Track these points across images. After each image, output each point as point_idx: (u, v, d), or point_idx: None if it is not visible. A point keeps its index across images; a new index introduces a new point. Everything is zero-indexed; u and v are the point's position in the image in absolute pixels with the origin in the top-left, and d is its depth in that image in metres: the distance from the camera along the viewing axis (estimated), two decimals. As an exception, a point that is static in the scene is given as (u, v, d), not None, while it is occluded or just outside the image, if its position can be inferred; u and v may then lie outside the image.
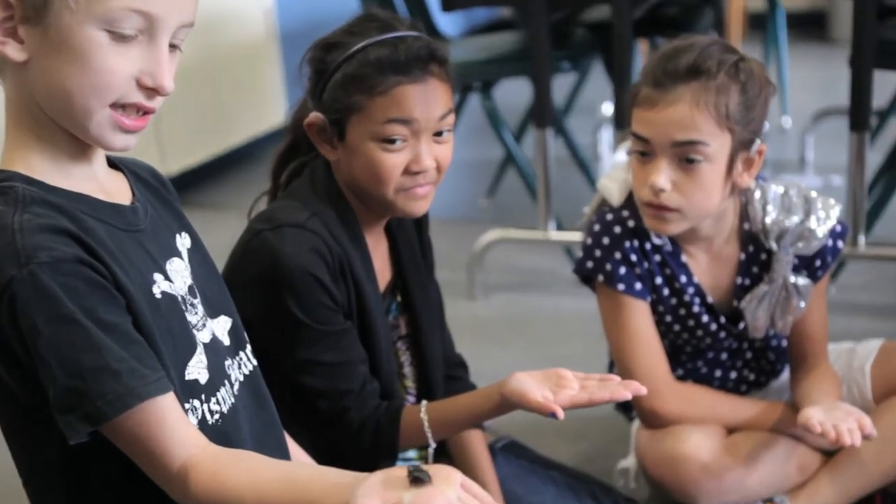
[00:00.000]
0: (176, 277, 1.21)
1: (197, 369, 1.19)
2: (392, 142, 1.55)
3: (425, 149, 1.57)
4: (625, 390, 1.35)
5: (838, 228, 1.82)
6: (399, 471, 1.00)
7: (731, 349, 1.96)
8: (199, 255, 1.29)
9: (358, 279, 1.60)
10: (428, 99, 1.55)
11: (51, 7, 1.06)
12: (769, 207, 1.79)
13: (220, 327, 1.28)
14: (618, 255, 1.82)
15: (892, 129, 3.82)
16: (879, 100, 3.13)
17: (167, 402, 1.10)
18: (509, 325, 2.94)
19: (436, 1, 3.09)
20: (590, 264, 1.84)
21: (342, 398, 1.59)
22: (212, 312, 1.27)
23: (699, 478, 1.80)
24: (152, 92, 1.12)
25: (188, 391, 1.17)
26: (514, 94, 4.19)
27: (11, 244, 1.06)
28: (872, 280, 3.01)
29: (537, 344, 2.80)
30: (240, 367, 1.30)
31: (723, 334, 1.91)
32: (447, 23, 4.05)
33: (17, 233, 1.06)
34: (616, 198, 1.86)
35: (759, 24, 4.89)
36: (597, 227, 1.85)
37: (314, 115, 1.60)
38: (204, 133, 4.10)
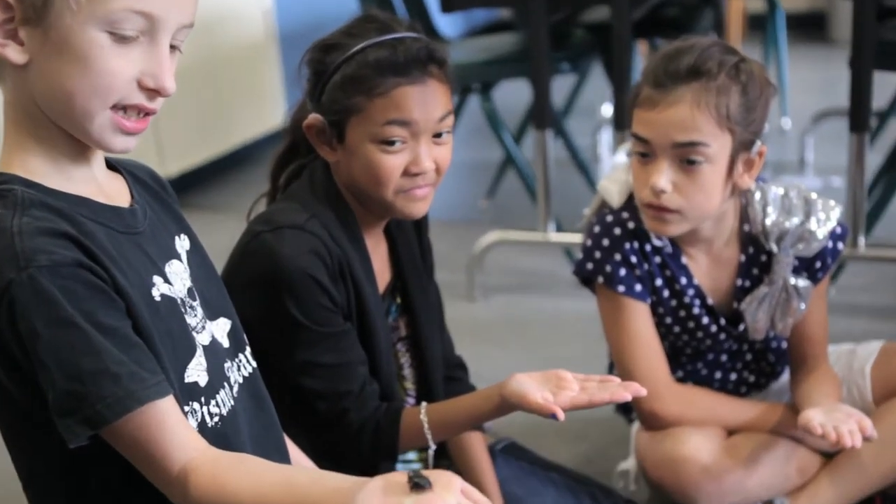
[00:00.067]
0: (175, 280, 1.21)
1: (196, 372, 1.19)
2: (391, 143, 1.55)
3: (424, 150, 1.56)
4: (625, 391, 1.35)
5: (838, 230, 1.82)
6: (399, 476, 1.00)
7: (731, 351, 1.95)
8: (198, 257, 1.29)
9: (357, 281, 1.60)
10: (427, 100, 1.55)
11: (51, 8, 1.06)
12: (769, 209, 1.79)
13: (220, 329, 1.28)
14: (618, 257, 1.82)
15: (891, 130, 3.82)
16: (879, 101, 3.13)
17: (167, 406, 1.10)
18: (509, 326, 2.94)
19: (435, 2, 3.09)
20: (590, 266, 1.84)
21: (342, 400, 1.59)
22: (211, 314, 1.27)
23: (699, 479, 1.80)
24: (153, 93, 1.12)
25: (188, 394, 1.17)
26: (514, 95, 4.19)
27: (10, 247, 1.05)
28: (872, 281, 3.01)
29: (537, 345, 2.80)
30: (239, 370, 1.30)
31: (723, 336, 1.91)
32: (446, 24, 4.05)
33: (16, 236, 1.06)
34: (616, 199, 1.86)
35: (758, 25, 4.89)
36: (597, 229, 1.85)
37: (313, 117, 1.60)
38: (203, 134, 4.10)
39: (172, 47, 1.13)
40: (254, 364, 1.34)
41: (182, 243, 1.27)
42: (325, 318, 1.56)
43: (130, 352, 1.08)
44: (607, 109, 4.23)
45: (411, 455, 1.79)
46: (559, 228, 3.08)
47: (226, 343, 1.28)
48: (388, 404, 1.62)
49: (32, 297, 1.04)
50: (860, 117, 2.64)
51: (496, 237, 3.14)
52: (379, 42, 1.55)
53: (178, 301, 1.20)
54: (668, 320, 1.88)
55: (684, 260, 1.85)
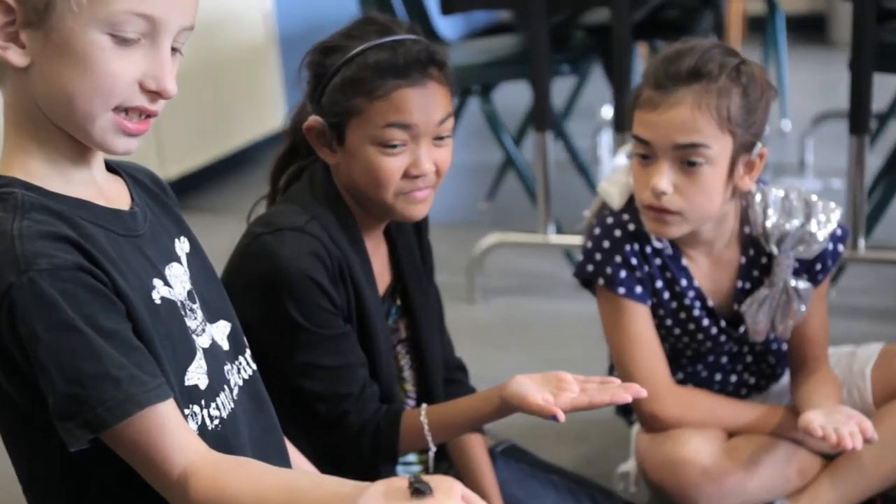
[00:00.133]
0: (175, 282, 1.21)
1: (196, 375, 1.19)
2: (392, 146, 1.55)
3: (425, 153, 1.57)
4: (625, 393, 1.35)
5: (839, 232, 1.82)
6: (400, 481, 1.00)
7: (731, 353, 1.95)
8: (197, 260, 1.29)
9: (357, 283, 1.60)
10: (427, 103, 1.55)
11: (53, 11, 1.06)
12: (770, 211, 1.79)
13: (220, 332, 1.28)
14: (618, 259, 1.82)
15: (891, 132, 3.82)
16: (879, 103, 3.13)
17: (167, 409, 1.10)
18: (509, 328, 2.94)
19: (435, 4, 3.09)
20: (590, 268, 1.84)
21: (342, 402, 1.59)
22: (211, 317, 1.26)
23: (699, 482, 1.80)
24: (155, 95, 1.12)
25: (188, 397, 1.17)
26: (514, 97, 4.19)
27: (11, 251, 1.05)
28: (872, 283, 3.01)
29: (537, 348, 2.79)
30: (239, 372, 1.30)
31: (723, 338, 1.90)
32: (446, 26, 4.05)
33: (16, 239, 1.06)
34: (616, 201, 1.86)
35: (758, 27, 4.90)
36: (597, 231, 1.85)
37: (313, 119, 1.60)
38: (203, 136, 4.10)
39: (173, 49, 1.13)
40: (254, 367, 1.34)
41: (182, 246, 1.27)
42: (325, 320, 1.56)
43: (131, 355, 1.08)
44: (607, 111, 4.24)
45: (411, 457, 1.79)
46: (559, 230, 3.08)
47: (226, 346, 1.28)
48: (388, 406, 1.62)
49: (33, 301, 1.04)
50: (860, 119, 2.64)
51: (496, 239, 3.14)
52: (379, 44, 1.55)
53: (178, 304, 1.20)
54: (669, 322, 1.88)
55: (685, 262, 1.85)
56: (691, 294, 1.85)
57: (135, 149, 1.14)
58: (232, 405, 1.25)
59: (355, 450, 1.61)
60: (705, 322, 1.88)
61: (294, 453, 1.45)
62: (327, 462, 1.54)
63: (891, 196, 2.89)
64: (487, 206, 3.90)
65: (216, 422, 1.21)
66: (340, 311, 1.58)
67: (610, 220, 1.84)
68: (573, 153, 3.59)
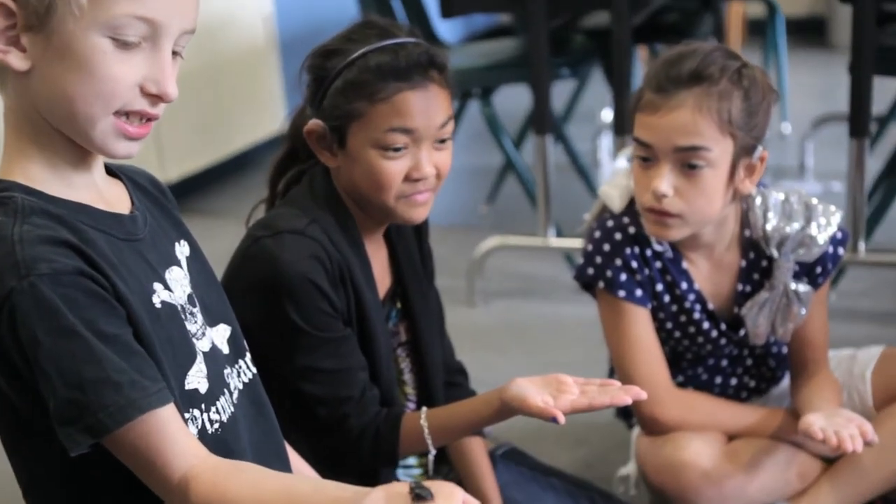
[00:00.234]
0: (175, 286, 1.21)
1: (197, 378, 1.19)
2: (393, 149, 1.55)
3: (425, 156, 1.57)
4: (625, 395, 1.34)
5: (839, 235, 1.82)
6: (401, 487, 1.00)
7: (731, 356, 1.95)
8: (197, 263, 1.29)
9: (357, 286, 1.60)
10: (429, 106, 1.55)
11: (54, 14, 1.06)
12: (770, 214, 1.79)
13: (220, 336, 1.28)
14: (619, 262, 1.82)
15: (891, 135, 3.83)
16: (879, 106, 3.13)
17: (168, 414, 1.10)
18: (509, 331, 2.94)
19: (435, 7, 3.09)
20: (590, 271, 1.84)
21: (342, 405, 1.59)
22: (211, 321, 1.26)
23: (700, 485, 1.80)
24: (156, 99, 1.12)
25: (188, 401, 1.17)
26: (514, 100, 4.19)
27: (11, 255, 1.05)
28: (873, 286, 3.01)
29: (537, 351, 2.79)
30: (239, 376, 1.30)
31: (723, 341, 1.90)
32: (446, 29, 4.06)
33: (17, 244, 1.06)
34: (617, 204, 1.86)
35: (758, 30, 4.90)
36: (598, 234, 1.85)
37: (314, 123, 1.60)
38: (203, 140, 4.10)
39: (174, 53, 1.13)
40: (254, 370, 1.34)
41: (182, 249, 1.27)
42: (325, 323, 1.56)
43: (131, 360, 1.08)
44: (607, 115, 4.24)
45: (412, 460, 1.79)
46: (559, 233, 3.08)
47: (226, 349, 1.28)
48: (388, 410, 1.62)
49: (33, 306, 1.04)
50: (860, 122, 2.64)
51: (496, 242, 3.14)
52: (380, 47, 1.55)
53: (179, 308, 1.20)
54: (669, 325, 1.88)
55: (685, 265, 1.85)
56: (691, 297, 1.85)
57: (135, 152, 1.14)
58: (232, 409, 1.25)
59: (355, 453, 1.61)
60: (705, 325, 1.88)
61: (294, 457, 1.45)
62: (327, 465, 1.54)
63: (891, 199, 2.89)
64: (487, 209, 3.90)
65: (216, 426, 1.21)
66: (341, 314, 1.58)
67: (610, 223, 1.84)
68: (573, 156, 3.59)
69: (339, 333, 1.58)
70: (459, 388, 1.85)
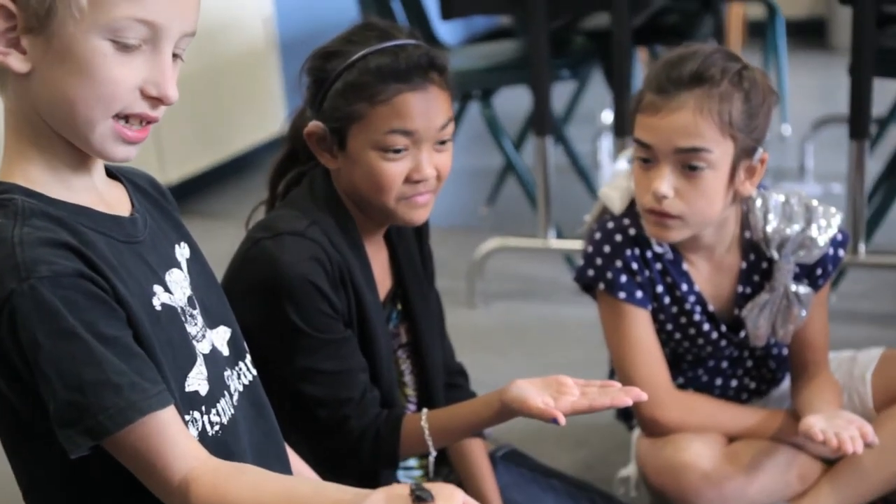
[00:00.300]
0: (175, 288, 1.21)
1: (197, 381, 1.19)
2: (394, 151, 1.55)
3: (426, 157, 1.57)
4: (625, 396, 1.34)
5: (839, 237, 1.82)
6: (401, 489, 1.00)
7: (731, 358, 1.95)
8: (198, 265, 1.29)
9: (358, 287, 1.60)
10: (429, 108, 1.55)
11: (54, 17, 1.06)
12: (770, 216, 1.79)
13: (220, 338, 1.28)
14: (619, 264, 1.82)
15: (891, 137, 3.83)
16: (879, 108, 3.13)
17: (168, 416, 1.10)
18: (509, 333, 2.94)
19: (435, 9, 3.09)
20: (591, 272, 1.84)
21: (342, 407, 1.59)
22: (211, 323, 1.26)
23: (700, 486, 1.80)
24: (156, 101, 1.12)
25: (188, 403, 1.17)
26: (514, 102, 4.19)
27: (11, 257, 1.05)
28: (873, 288, 3.01)
29: (537, 352, 2.79)
30: (239, 378, 1.30)
31: (724, 343, 1.90)
32: (446, 31, 4.06)
33: (17, 246, 1.06)
34: (617, 206, 1.86)
35: (758, 31, 4.90)
36: (598, 236, 1.85)
37: (314, 124, 1.60)
38: (203, 141, 4.10)
39: (175, 55, 1.13)
40: (254, 372, 1.34)
41: (182, 251, 1.27)
42: (325, 324, 1.56)
43: (131, 362, 1.08)
44: (607, 116, 4.24)
45: (412, 462, 1.79)
46: (559, 235, 3.08)
47: (226, 351, 1.28)
48: (388, 411, 1.62)
49: (34, 308, 1.04)
50: (860, 124, 2.64)
51: (496, 244, 3.14)
52: (380, 49, 1.55)
53: (179, 310, 1.20)
54: (669, 327, 1.88)
55: (685, 266, 1.85)
56: (692, 299, 1.85)
57: (133, 156, 1.14)
58: (232, 411, 1.24)
59: (356, 454, 1.61)
60: (706, 327, 1.88)
61: (294, 459, 1.45)
62: (327, 467, 1.54)
63: (891, 201, 2.89)
64: (488, 210, 3.90)
65: (216, 428, 1.21)
66: (341, 315, 1.58)
67: (611, 224, 1.85)
68: (573, 158, 3.59)
69: (339, 335, 1.58)
70: (460, 389, 1.85)
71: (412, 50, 1.55)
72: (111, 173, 1.23)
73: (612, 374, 2.03)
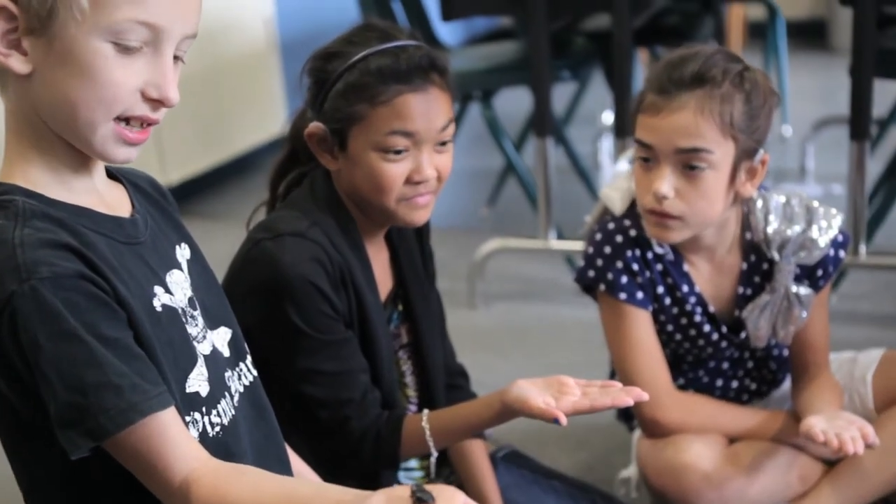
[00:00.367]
0: (176, 289, 1.21)
1: (198, 382, 1.19)
2: (394, 152, 1.55)
3: (427, 158, 1.57)
4: (627, 396, 1.35)
5: (840, 238, 1.82)
6: (402, 490, 1.00)
7: (732, 359, 1.95)
8: (198, 266, 1.29)
9: (359, 288, 1.60)
10: (429, 109, 1.55)
11: (56, 18, 1.06)
12: (771, 217, 1.79)
13: (220, 339, 1.28)
14: (619, 265, 1.82)
15: (892, 138, 3.83)
16: (880, 109, 3.13)
17: (169, 417, 1.10)
18: (510, 334, 2.94)
19: (435, 10, 3.09)
20: (591, 273, 1.84)
21: (343, 407, 1.59)
22: (211, 324, 1.26)
23: (700, 487, 1.80)
24: (157, 104, 1.12)
25: (189, 404, 1.17)
26: (515, 103, 4.19)
27: (12, 259, 1.05)
28: (873, 289, 3.01)
29: (538, 353, 2.79)
30: (240, 379, 1.30)
31: (724, 344, 1.90)
32: (447, 32, 4.06)
33: (17, 248, 1.06)
34: (618, 206, 1.86)
35: (759, 32, 4.90)
36: (599, 236, 1.85)
37: (315, 125, 1.60)
38: (204, 142, 4.10)
39: (176, 58, 1.13)
40: (254, 373, 1.34)
41: (183, 252, 1.27)
42: (326, 325, 1.56)
43: (132, 363, 1.08)
44: (608, 117, 4.24)
45: (413, 463, 1.79)
46: (560, 236, 3.08)
47: (226, 352, 1.28)
48: (389, 412, 1.62)
49: (34, 310, 1.04)
50: (861, 125, 2.64)
51: (497, 245, 3.14)
52: (381, 50, 1.55)
53: (179, 311, 1.20)
54: (670, 328, 1.88)
55: (686, 268, 1.85)
56: (692, 300, 1.85)
57: (134, 157, 1.14)
58: (233, 412, 1.25)
59: (357, 455, 1.61)
60: (706, 328, 1.88)
61: (295, 460, 1.45)
62: (328, 468, 1.54)
63: (891, 202, 2.89)
64: (488, 211, 3.90)
65: (217, 429, 1.21)
66: (342, 316, 1.58)
67: (611, 225, 1.85)
68: (574, 159, 3.59)
69: (340, 336, 1.58)
70: (460, 390, 1.85)
71: (413, 51, 1.55)
72: (111, 174, 1.23)
73: (612, 375, 2.03)
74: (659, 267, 1.84)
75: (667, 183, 1.70)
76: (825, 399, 1.81)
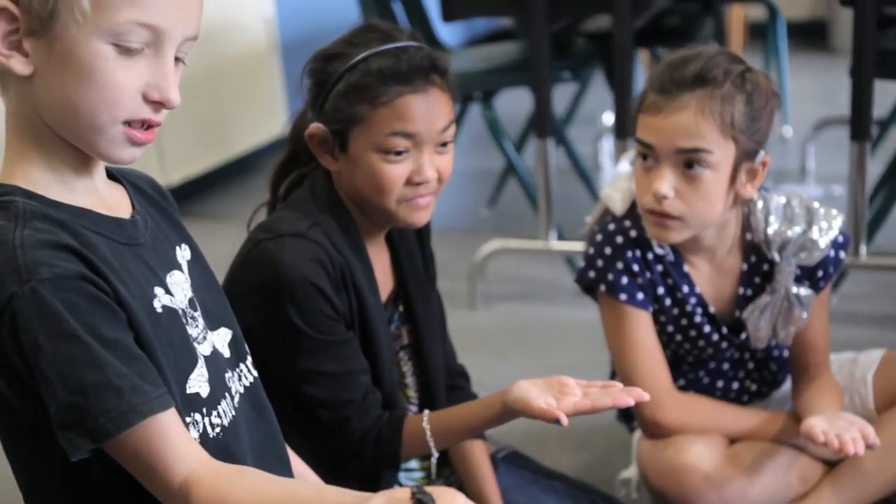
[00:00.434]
0: (176, 290, 1.21)
1: (198, 383, 1.19)
2: (395, 153, 1.55)
3: (427, 160, 1.57)
4: (627, 396, 1.34)
5: (840, 239, 1.82)
6: (402, 492, 1.00)
7: (732, 359, 1.95)
8: (198, 267, 1.29)
9: (359, 289, 1.60)
10: (430, 110, 1.55)
11: (57, 20, 1.06)
12: (771, 218, 1.79)
13: (221, 339, 1.28)
14: (620, 265, 1.82)
15: (892, 138, 3.83)
16: (880, 109, 3.13)
17: (169, 419, 1.10)
18: (510, 335, 2.94)
19: (436, 11, 3.09)
20: (592, 274, 1.84)
21: (344, 408, 1.59)
22: (212, 325, 1.26)
23: (701, 488, 1.80)
24: (158, 105, 1.12)
25: (189, 405, 1.17)
26: (515, 104, 4.19)
27: (13, 260, 1.05)
28: (874, 290, 3.01)
29: (538, 354, 2.79)
30: (240, 379, 1.30)
31: (724, 344, 1.90)
32: (447, 33, 4.06)
33: (18, 249, 1.06)
34: (619, 207, 1.86)
35: (759, 33, 4.90)
36: (599, 237, 1.85)
37: (315, 126, 1.60)
38: (205, 143, 4.10)
39: (177, 59, 1.13)
40: (255, 374, 1.34)
41: (183, 253, 1.27)
42: (327, 326, 1.56)
43: (133, 364, 1.08)
44: (608, 118, 4.24)
45: (413, 464, 1.79)
46: (560, 237, 3.08)
47: (227, 353, 1.28)
48: (390, 413, 1.62)
49: (35, 311, 1.04)
50: (861, 126, 2.64)
51: (497, 245, 3.14)
52: (382, 51, 1.55)
53: (180, 312, 1.20)
54: (670, 329, 1.88)
55: (686, 268, 1.85)
56: (693, 301, 1.85)
57: (138, 157, 1.15)
58: (233, 413, 1.24)
59: (357, 456, 1.61)
60: (707, 329, 1.88)
61: (296, 460, 1.45)
62: (329, 469, 1.54)
63: (892, 202, 2.89)
64: (489, 212, 3.90)
65: (217, 429, 1.21)
66: (342, 317, 1.58)
67: (612, 226, 1.85)
68: (574, 160, 3.59)
69: (340, 336, 1.58)
70: (461, 391, 1.85)
71: (414, 52, 1.55)
72: (112, 175, 1.23)
73: (613, 376, 2.03)
74: (659, 268, 1.84)
75: (667, 183, 1.70)
76: (826, 400, 1.81)
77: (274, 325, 1.55)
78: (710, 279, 1.86)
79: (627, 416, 2.05)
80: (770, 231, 1.79)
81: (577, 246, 2.88)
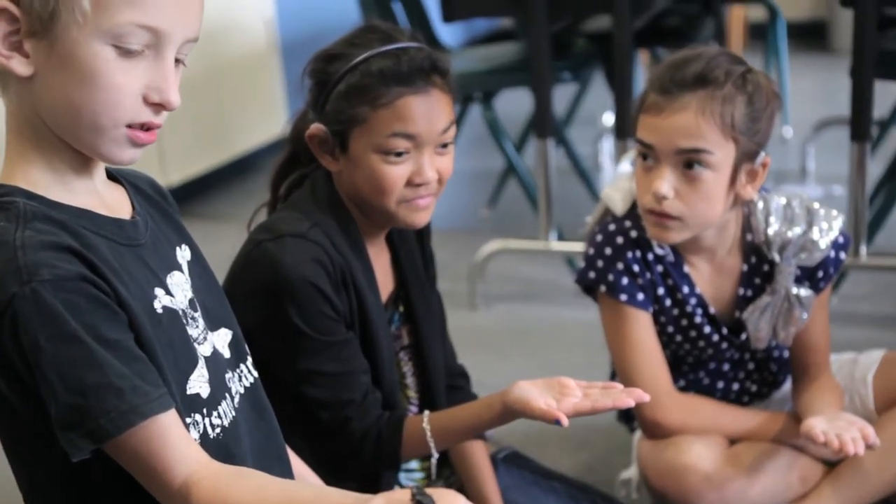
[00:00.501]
0: (177, 291, 1.21)
1: (198, 383, 1.19)
2: (395, 154, 1.55)
3: (427, 161, 1.57)
4: (628, 397, 1.35)
5: (841, 240, 1.82)
6: (402, 494, 1.00)
7: (732, 360, 1.95)
8: (199, 268, 1.29)
9: (360, 289, 1.60)
10: (431, 111, 1.55)
11: (58, 21, 1.06)
12: (772, 219, 1.79)
13: (221, 340, 1.28)
14: (620, 266, 1.82)
15: (892, 139, 3.83)
16: (880, 110, 3.14)
17: (169, 420, 1.10)
18: (510, 335, 2.94)
19: (436, 11, 3.09)
20: (592, 274, 1.84)
21: (344, 408, 1.59)
22: (212, 325, 1.26)
23: (701, 488, 1.80)
24: (158, 107, 1.12)
25: (190, 405, 1.17)
26: (515, 104, 4.19)
27: (13, 261, 1.05)
28: (874, 290, 3.01)
29: (538, 354, 2.79)
30: (240, 380, 1.30)
31: (725, 345, 1.91)
32: (448, 33, 4.06)
33: (19, 250, 1.06)
34: (619, 207, 1.86)
35: (759, 34, 4.90)
36: (599, 237, 1.85)
37: (316, 127, 1.60)
38: (205, 144, 4.10)
39: (177, 61, 1.13)
40: (255, 374, 1.34)
41: (183, 254, 1.27)
42: (327, 326, 1.57)
43: (133, 365, 1.08)
44: (608, 118, 4.24)
45: (413, 464, 1.79)
46: (560, 237, 3.08)
47: (227, 354, 1.28)
48: (390, 413, 1.62)
49: (35, 312, 1.04)
50: (861, 126, 2.64)
51: (498, 246, 3.14)
52: (382, 52, 1.55)
53: (180, 312, 1.20)
54: (670, 329, 1.88)
55: (686, 269, 1.85)
56: (693, 301, 1.85)
57: (138, 158, 1.15)
58: (233, 413, 1.24)
59: (357, 456, 1.61)
60: (707, 329, 1.88)
61: (296, 461, 1.45)
62: (329, 469, 1.54)
63: (892, 203, 2.89)
64: (489, 212, 3.90)
65: (218, 430, 1.21)
66: (343, 317, 1.58)
67: (612, 226, 1.85)
68: (574, 160, 3.59)
69: (341, 337, 1.58)
70: (461, 391, 1.85)
71: (414, 53, 1.55)
72: (112, 175, 1.23)
73: (613, 376, 2.03)
74: (659, 268, 1.84)
75: (667, 183, 1.70)
76: (826, 400, 1.81)
77: (274, 326, 1.55)
78: (710, 280, 1.86)
79: (628, 416, 2.05)
80: (770, 232, 1.79)
81: (578, 246, 2.88)
